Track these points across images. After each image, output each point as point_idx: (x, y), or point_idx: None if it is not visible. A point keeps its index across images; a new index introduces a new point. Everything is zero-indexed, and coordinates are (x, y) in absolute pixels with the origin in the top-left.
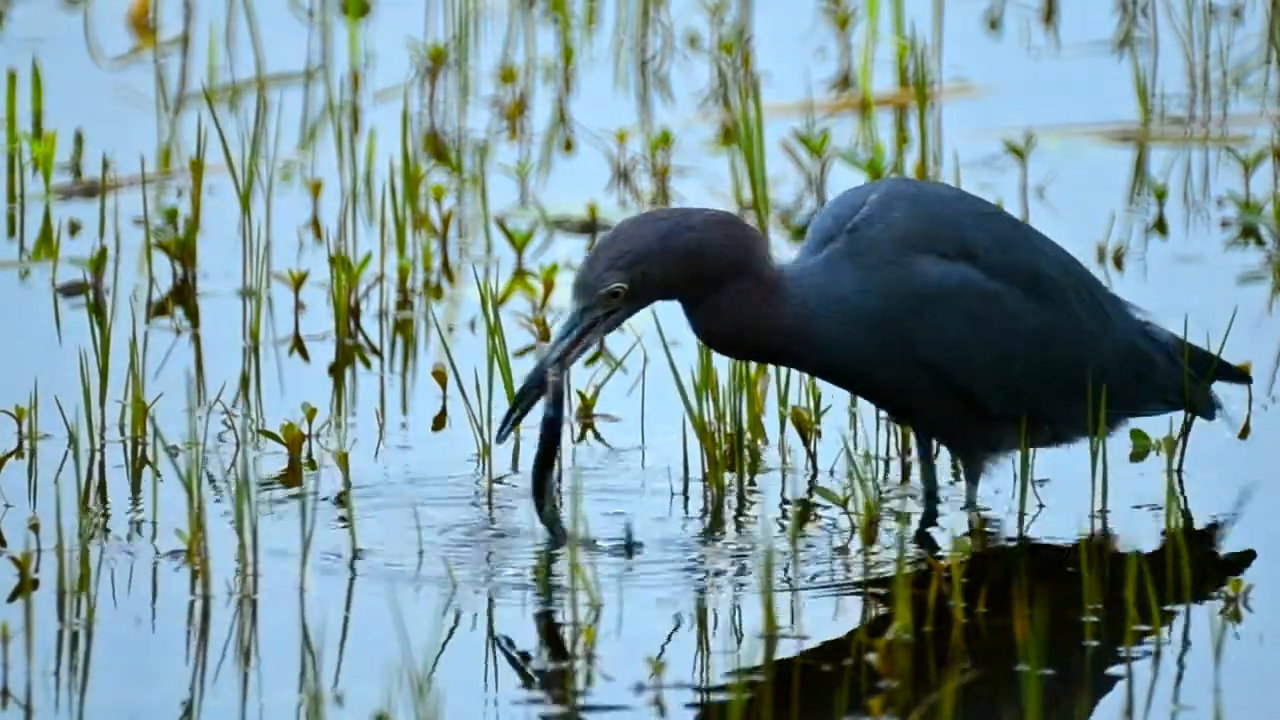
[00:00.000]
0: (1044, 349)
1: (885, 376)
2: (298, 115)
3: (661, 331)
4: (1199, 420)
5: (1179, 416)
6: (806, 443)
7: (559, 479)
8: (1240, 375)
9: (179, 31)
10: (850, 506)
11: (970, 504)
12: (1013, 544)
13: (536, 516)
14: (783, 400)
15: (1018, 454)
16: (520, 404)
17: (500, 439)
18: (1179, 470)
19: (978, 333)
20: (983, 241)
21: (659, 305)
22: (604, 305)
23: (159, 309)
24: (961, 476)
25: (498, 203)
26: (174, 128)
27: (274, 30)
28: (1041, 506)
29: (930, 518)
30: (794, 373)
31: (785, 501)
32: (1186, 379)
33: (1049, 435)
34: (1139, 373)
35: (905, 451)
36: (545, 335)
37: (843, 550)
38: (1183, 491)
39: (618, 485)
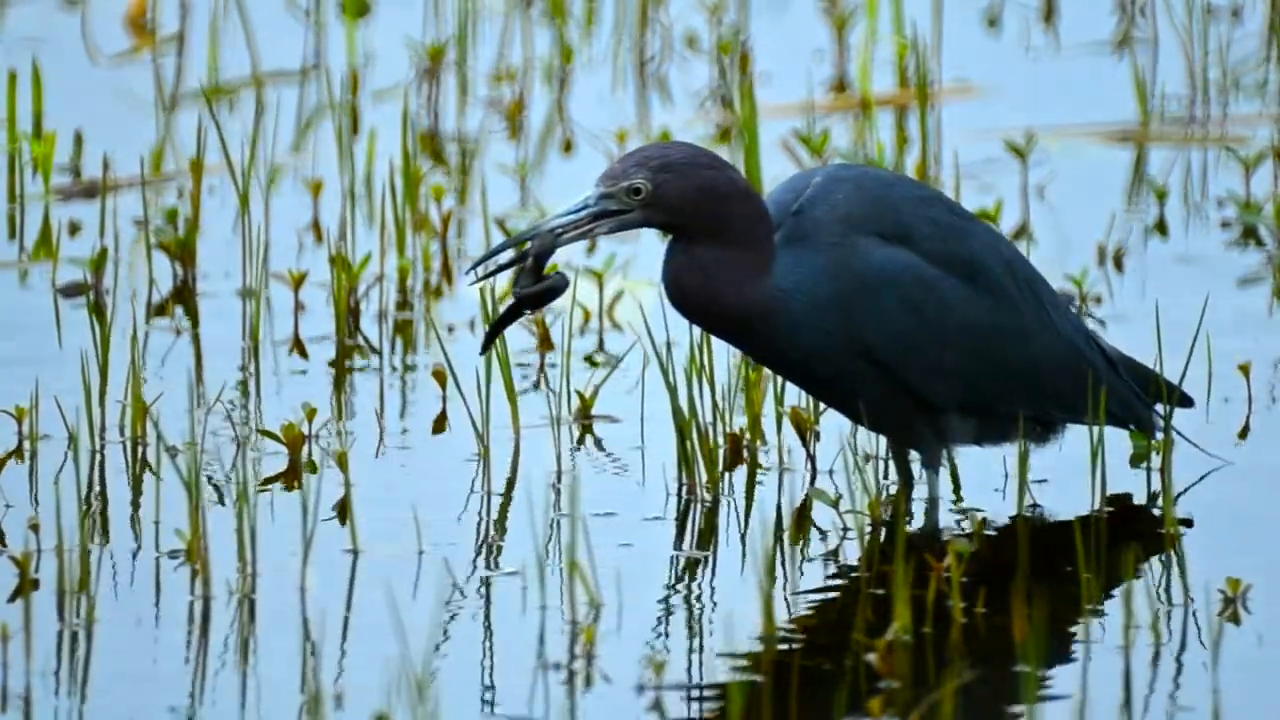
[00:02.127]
0: (982, 340)
1: (833, 368)
2: (297, 115)
3: (651, 333)
4: (1198, 421)
5: (1177, 419)
6: (805, 443)
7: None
8: (1183, 399)
9: (176, 31)
10: (844, 506)
11: (932, 498)
12: (1012, 544)
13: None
14: (780, 400)
15: (981, 446)
16: (500, 250)
17: (473, 279)
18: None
19: (915, 319)
20: (921, 228)
21: (656, 304)
22: (620, 201)
23: (159, 309)
24: (919, 468)
25: (498, 203)
26: (171, 128)
27: (273, 30)
28: (1037, 506)
29: (910, 492)
30: None
31: (783, 502)
32: (1166, 390)
33: (997, 432)
34: (1078, 377)
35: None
36: (545, 335)
37: (841, 551)
38: (1181, 492)
39: (616, 486)
